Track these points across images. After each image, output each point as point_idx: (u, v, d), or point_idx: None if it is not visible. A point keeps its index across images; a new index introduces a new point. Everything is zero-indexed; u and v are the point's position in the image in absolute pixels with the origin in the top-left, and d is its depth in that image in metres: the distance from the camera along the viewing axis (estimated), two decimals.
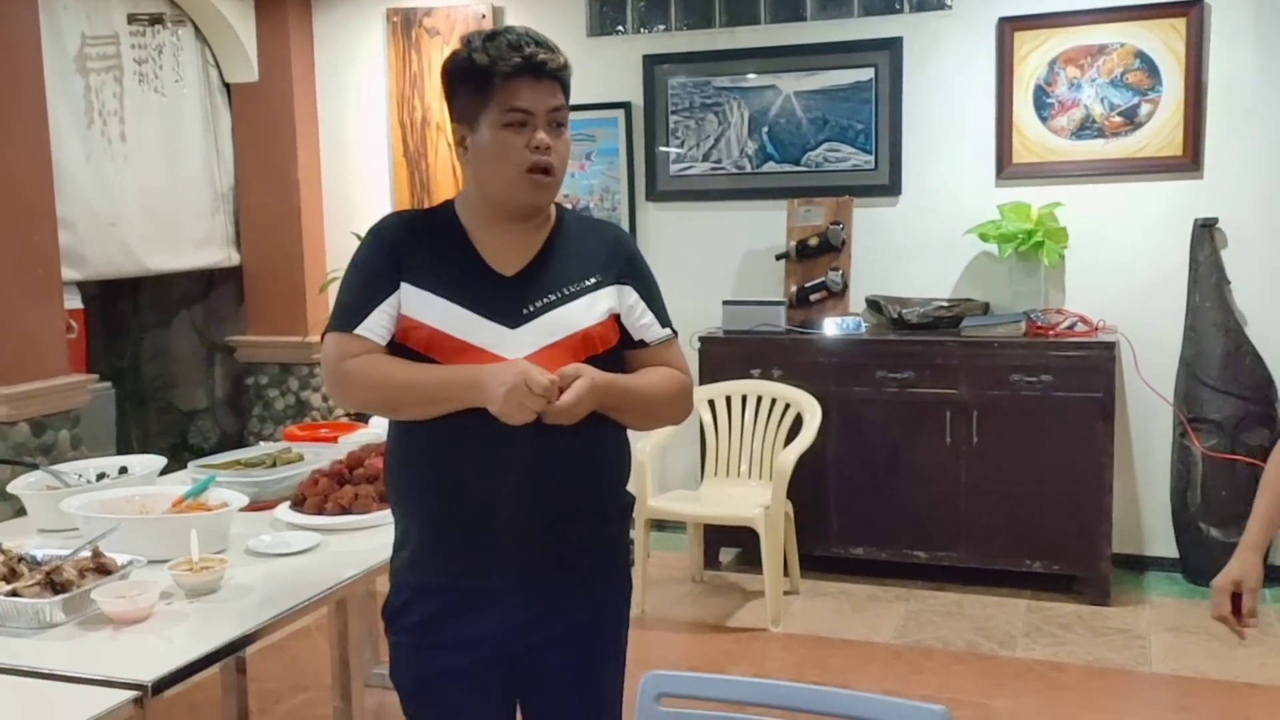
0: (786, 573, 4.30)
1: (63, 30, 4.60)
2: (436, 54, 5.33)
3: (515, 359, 1.80)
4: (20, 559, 2.07)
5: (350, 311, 1.87)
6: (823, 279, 4.70)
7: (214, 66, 5.46)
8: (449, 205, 1.97)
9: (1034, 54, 4.49)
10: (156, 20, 4.83)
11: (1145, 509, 4.56)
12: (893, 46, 4.69)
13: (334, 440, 3.19)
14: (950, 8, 4.62)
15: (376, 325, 1.86)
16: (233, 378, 6.07)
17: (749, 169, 4.95)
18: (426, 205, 5.41)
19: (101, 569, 2.03)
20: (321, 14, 5.54)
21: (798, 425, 4.28)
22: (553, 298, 1.88)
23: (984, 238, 4.50)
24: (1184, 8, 4.28)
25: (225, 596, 2.08)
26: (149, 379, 6.15)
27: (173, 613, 2.00)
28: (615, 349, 1.92)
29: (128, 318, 6.07)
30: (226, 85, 5.53)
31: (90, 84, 4.75)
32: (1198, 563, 4.38)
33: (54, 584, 1.95)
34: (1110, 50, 4.40)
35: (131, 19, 4.82)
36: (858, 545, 4.51)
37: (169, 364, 6.17)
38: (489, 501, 1.86)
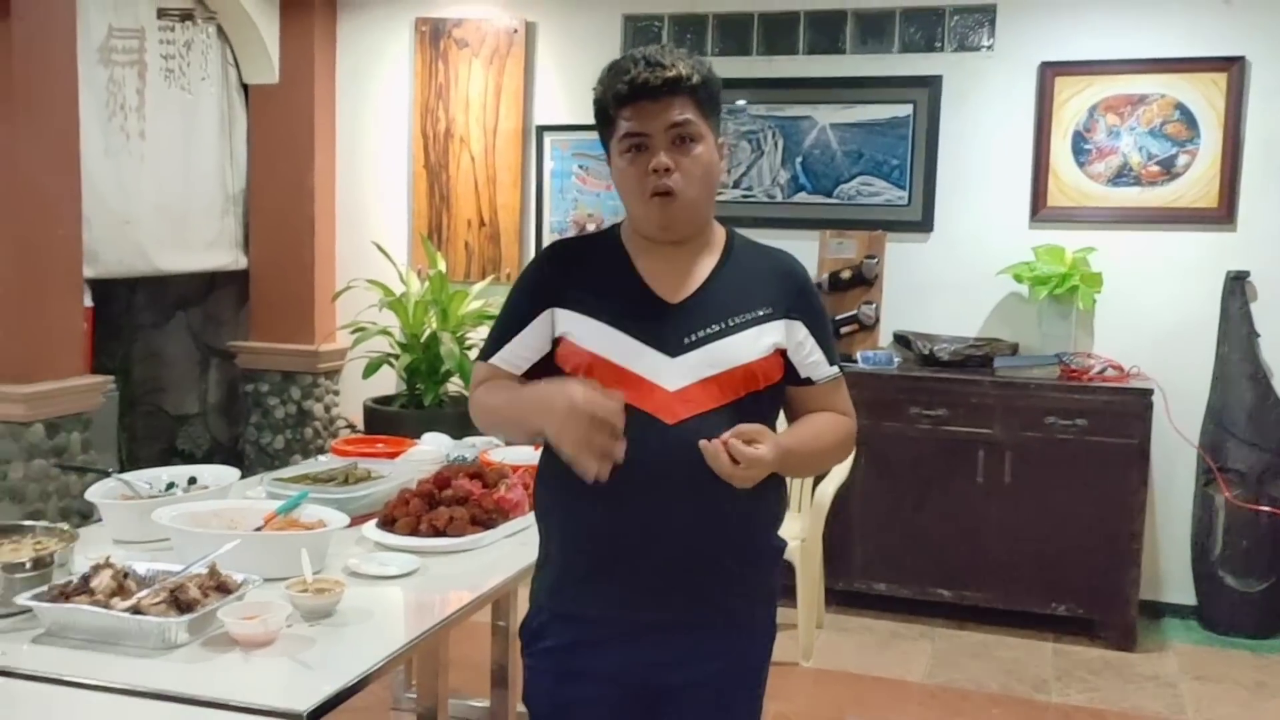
0: None
1: (90, 20, 4.45)
2: (464, 66, 5.26)
3: (567, 380, 1.72)
4: (125, 574, 1.96)
5: (492, 340, 1.92)
6: (854, 312, 4.69)
7: (234, 66, 5.33)
8: (615, 230, 1.92)
9: (1074, 100, 4.54)
10: (186, 16, 4.70)
11: (1164, 555, 4.59)
12: (932, 84, 4.70)
13: (393, 456, 3.09)
14: (992, 49, 4.65)
15: (512, 355, 1.88)
16: (227, 384, 5.91)
17: (780, 198, 4.94)
18: (446, 218, 5.34)
19: (221, 587, 1.92)
20: (347, 19, 5.44)
21: None
22: (716, 328, 1.81)
23: (1017, 278, 4.52)
24: (1226, 63, 4.34)
25: (343, 620, 1.98)
26: (139, 382, 5.97)
27: (296, 636, 1.89)
28: (778, 385, 1.86)
29: (121, 317, 5.89)
30: (244, 86, 5.40)
31: (114, 77, 4.60)
32: (1215, 611, 4.42)
33: (179, 602, 1.84)
34: (1151, 100, 4.45)
35: (161, 14, 4.68)
36: (881, 581, 4.49)
37: (161, 367, 6.00)
38: (636, 534, 1.79)
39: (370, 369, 4.97)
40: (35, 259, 3.92)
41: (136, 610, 1.82)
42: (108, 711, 1.63)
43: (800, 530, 4.09)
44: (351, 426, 5.60)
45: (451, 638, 3.20)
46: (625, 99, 1.79)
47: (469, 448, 3.22)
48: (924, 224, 4.78)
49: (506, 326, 1.89)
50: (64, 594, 1.88)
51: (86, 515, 3.46)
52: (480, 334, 5.08)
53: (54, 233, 3.98)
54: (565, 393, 1.66)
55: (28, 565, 1.94)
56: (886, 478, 4.44)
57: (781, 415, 1.96)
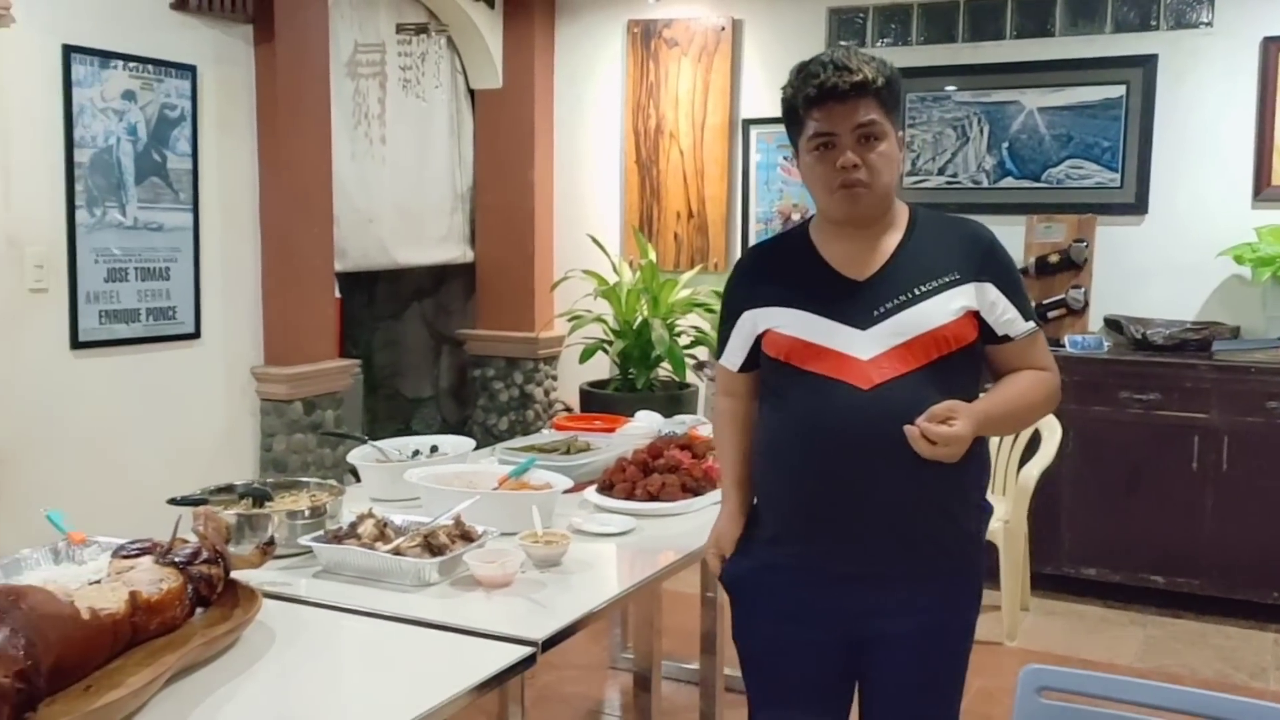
0: None
1: (339, 37, 4.91)
2: (674, 64, 5.49)
3: (725, 531, 2.14)
4: (385, 523, 2.26)
5: (719, 344, 2.17)
6: (1062, 296, 4.67)
7: (461, 73, 5.74)
8: (805, 225, 2.09)
9: None
10: (421, 30, 5.12)
11: None
12: (1147, 64, 4.62)
13: (611, 431, 3.34)
14: (1211, 26, 4.53)
15: (733, 353, 2.12)
16: (457, 369, 6.36)
17: (985, 184, 4.95)
18: (656, 210, 5.59)
19: (465, 536, 2.20)
20: (565, 24, 5.76)
21: (1034, 441, 4.25)
22: (904, 298, 1.94)
23: (1239, 260, 4.39)
24: None
25: (569, 569, 2.23)
26: (379, 367, 6.50)
27: (529, 580, 2.15)
28: (972, 345, 1.96)
29: (363, 309, 6.42)
30: (471, 91, 5.81)
31: (359, 88, 5.06)
32: None
33: (431, 547, 2.13)
34: None
35: (399, 28, 5.12)
36: (1090, 566, 4.46)
37: (398, 354, 6.51)
38: (843, 492, 1.93)
39: (586, 354, 5.28)
40: (295, 254, 4.38)
41: (397, 553, 2.12)
42: (375, 634, 1.91)
43: (1004, 512, 4.13)
44: (568, 409, 5.94)
45: (665, 606, 3.44)
46: (814, 101, 1.93)
47: (679, 424, 3.45)
48: (1138, 206, 4.70)
49: (723, 331, 2.15)
50: (336, 537, 2.20)
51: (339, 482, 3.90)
52: (689, 321, 5.33)
53: (310, 231, 4.44)
54: (713, 538, 2.17)
55: (306, 513, 2.28)
56: (1095, 462, 4.41)
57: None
